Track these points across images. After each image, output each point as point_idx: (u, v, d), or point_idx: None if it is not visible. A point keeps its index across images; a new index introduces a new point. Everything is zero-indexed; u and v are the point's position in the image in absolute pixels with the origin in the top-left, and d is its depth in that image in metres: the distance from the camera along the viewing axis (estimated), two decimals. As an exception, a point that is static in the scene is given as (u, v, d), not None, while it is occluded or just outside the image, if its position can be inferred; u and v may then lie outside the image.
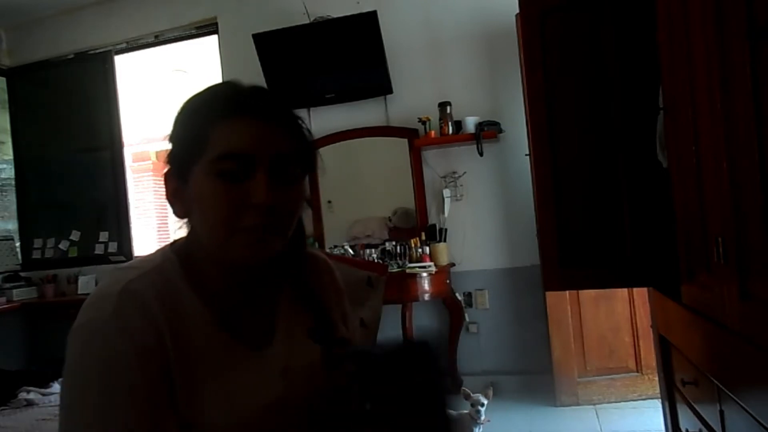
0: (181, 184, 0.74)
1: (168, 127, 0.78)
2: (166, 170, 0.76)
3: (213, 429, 0.70)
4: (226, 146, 0.70)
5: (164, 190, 0.77)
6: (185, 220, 0.78)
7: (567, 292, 3.04)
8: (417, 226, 3.60)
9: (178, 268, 0.75)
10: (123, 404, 0.65)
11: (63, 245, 4.37)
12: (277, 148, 0.72)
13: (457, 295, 3.50)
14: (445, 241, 3.47)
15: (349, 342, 0.87)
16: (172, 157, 0.75)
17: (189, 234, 0.78)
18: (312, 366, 0.80)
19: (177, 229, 0.80)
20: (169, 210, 0.79)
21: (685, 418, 1.55)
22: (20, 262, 4.43)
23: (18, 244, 4.48)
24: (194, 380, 0.70)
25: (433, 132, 3.45)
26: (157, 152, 6.59)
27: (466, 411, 2.60)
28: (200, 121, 0.72)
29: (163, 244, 0.82)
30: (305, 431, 0.78)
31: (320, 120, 3.73)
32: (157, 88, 5.19)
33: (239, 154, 0.70)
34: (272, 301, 0.82)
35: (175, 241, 0.81)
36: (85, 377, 0.67)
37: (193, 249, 0.77)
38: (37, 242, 4.45)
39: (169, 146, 0.77)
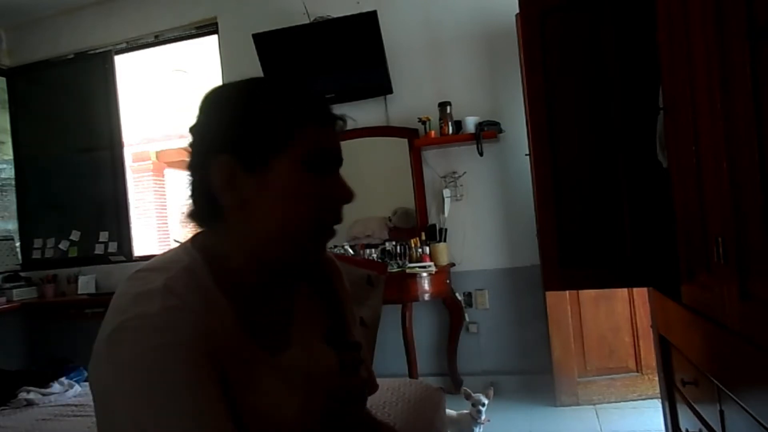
0: (244, 172, 0.70)
1: (209, 116, 0.74)
2: (221, 157, 0.70)
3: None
4: (319, 142, 0.72)
5: (214, 174, 0.70)
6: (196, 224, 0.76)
7: (567, 292, 3.04)
8: (417, 226, 3.60)
9: (204, 266, 0.71)
10: (205, 398, 0.62)
11: (63, 245, 4.37)
12: (341, 153, 0.77)
13: (457, 295, 3.50)
14: (445, 241, 3.47)
15: (361, 346, 0.86)
16: (233, 144, 0.71)
17: (223, 233, 0.74)
18: (330, 371, 0.79)
19: (186, 227, 0.77)
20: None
21: (685, 418, 1.55)
22: (20, 262, 4.43)
23: (18, 244, 4.48)
24: (228, 383, 0.67)
25: (433, 132, 3.45)
26: (157, 152, 6.59)
27: (466, 411, 2.60)
28: (290, 114, 0.72)
29: (162, 244, 0.80)
30: None
31: (320, 120, 3.73)
32: (157, 88, 5.19)
33: (331, 152, 0.74)
34: (290, 302, 0.80)
35: (196, 237, 0.76)
36: (153, 377, 0.61)
37: (230, 246, 0.73)
38: (37, 242, 4.45)
39: (217, 132, 0.73)
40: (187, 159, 0.76)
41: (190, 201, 0.75)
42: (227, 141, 0.71)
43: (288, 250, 0.73)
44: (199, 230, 0.77)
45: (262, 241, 0.72)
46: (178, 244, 0.77)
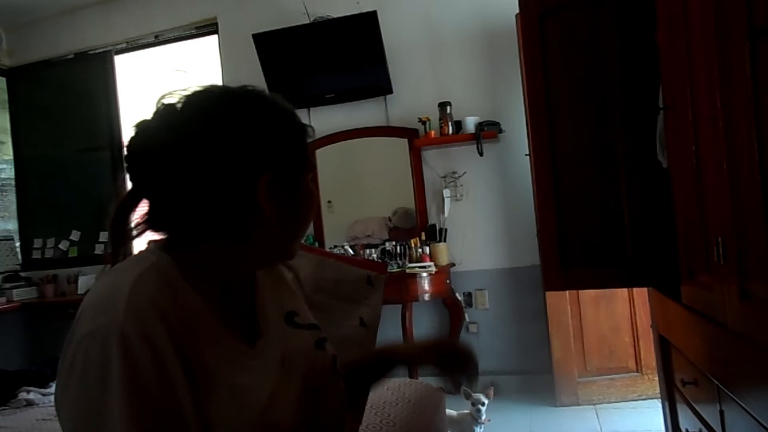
0: (282, 188, 0.75)
1: (234, 126, 0.73)
2: (266, 175, 0.72)
3: (229, 425, 0.69)
4: (311, 158, 0.83)
5: (260, 190, 0.72)
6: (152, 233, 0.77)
7: (567, 292, 3.04)
8: (417, 226, 3.60)
9: (174, 268, 0.71)
10: (154, 412, 0.62)
11: (63, 245, 4.37)
12: None
13: (457, 295, 3.50)
14: (445, 241, 3.47)
15: (318, 327, 0.90)
16: (276, 162, 0.74)
17: (223, 241, 0.75)
18: (304, 349, 0.84)
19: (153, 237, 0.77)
20: (193, 226, 0.76)
21: (685, 418, 1.55)
22: (20, 262, 4.43)
23: (18, 244, 4.48)
24: (211, 379, 0.68)
25: (433, 132, 3.45)
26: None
27: (466, 411, 2.60)
28: (302, 136, 0.81)
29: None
30: (303, 411, 0.79)
31: (320, 120, 3.73)
32: (157, 88, 5.19)
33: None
34: (251, 293, 0.83)
35: (153, 242, 0.76)
36: (108, 386, 0.61)
37: (216, 253, 0.74)
38: (37, 242, 4.45)
39: (254, 148, 0.73)
40: (182, 172, 0.71)
41: (177, 215, 0.74)
42: (267, 159, 0.74)
43: (276, 257, 0.84)
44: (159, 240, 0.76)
45: (277, 248, 0.80)
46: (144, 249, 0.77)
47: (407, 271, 3.23)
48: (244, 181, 0.72)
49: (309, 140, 0.82)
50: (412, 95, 3.63)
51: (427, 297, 3.32)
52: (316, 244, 3.71)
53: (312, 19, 3.67)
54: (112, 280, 0.68)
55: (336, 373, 0.87)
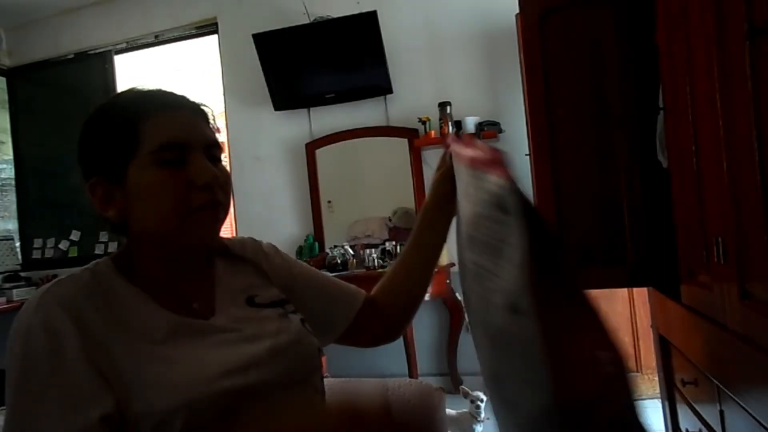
0: (112, 188, 0.78)
1: (79, 143, 0.81)
2: (91, 182, 0.79)
3: (171, 392, 0.71)
4: (163, 137, 0.77)
5: (91, 198, 0.80)
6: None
7: (567, 292, 3.03)
8: (417, 226, 3.59)
9: (110, 265, 0.80)
10: (44, 399, 0.68)
11: (63, 245, 4.38)
12: (204, 135, 0.81)
13: (457, 294, 3.50)
14: (445, 241, 3.46)
15: (289, 302, 0.91)
16: (95, 166, 0.79)
17: (125, 240, 0.83)
18: (269, 320, 0.85)
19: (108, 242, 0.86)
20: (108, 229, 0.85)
21: (685, 418, 1.55)
22: (20, 262, 4.43)
23: (18, 244, 4.49)
24: (144, 359, 0.72)
25: (433, 132, 3.45)
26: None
27: (466, 410, 2.60)
28: (126, 122, 0.77)
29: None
30: (275, 370, 0.80)
31: (320, 120, 3.73)
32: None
33: (177, 143, 0.77)
34: (210, 276, 0.88)
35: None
36: (17, 376, 0.69)
37: (132, 248, 0.82)
38: (37, 242, 4.46)
39: (86, 158, 0.81)
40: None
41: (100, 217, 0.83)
42: (93, 165, 0.80)
43: (171, 242, 0.80)
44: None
45: (149, 240, 0.80)
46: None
47: (407, 271, 3.22)
48: (87, 191, 0.81)
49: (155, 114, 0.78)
50: (412, 95, 3.63)
51: (427, 297, 3.29)
52: (316, 245, 3.71)
53: (312, 19, 3.67)
54: (41, 288, 0.76)
55: (308, 331, 0.89)
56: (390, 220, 3.73)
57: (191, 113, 0.82)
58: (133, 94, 0.82)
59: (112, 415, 0.68)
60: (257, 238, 1.00)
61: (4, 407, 0.71)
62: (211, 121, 0.85)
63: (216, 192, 0.79)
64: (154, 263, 0.82)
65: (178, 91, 0.84)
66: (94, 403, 0.68)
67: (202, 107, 0.84)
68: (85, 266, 0.80)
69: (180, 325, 0.78)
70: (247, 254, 0.95)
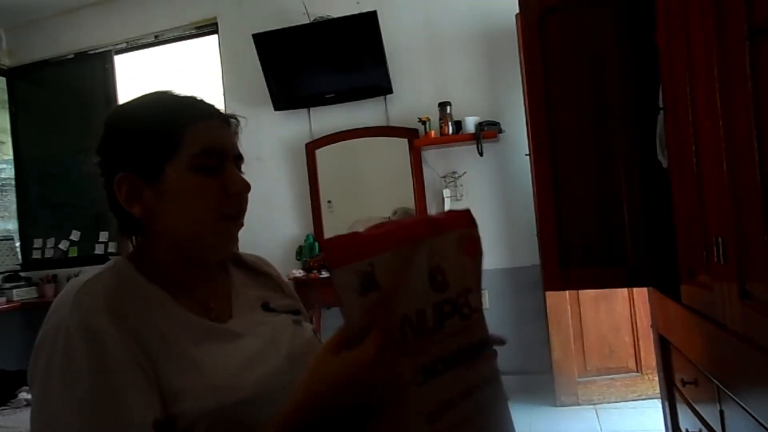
0: (143, 185, 0.79)
1: (108, 137, 0.84)
2: (118, 176, 0.79)
3: (201, 397, 0.71)
4: (204, 143, 0.79)
5: (116, 192, 0.80)
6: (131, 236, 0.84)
7: (567, 292, 3.04)
8: (417, 226, 3.59)
9: (131, 266, 0.80)
10: (94, 403, 0.66)
11: (63, 245, 4.37)
12: (235, 145, 0.85)
13: (457, 295, 3.50)
14: None
15: (301, 312, 0.94)
16: (126, 162, 0.79)
17: (144, 239, 0.83)
18: (283, 326, 0.87)
19: (129, 244, 0.85)
20: (115, 228, 0.85)
21: (685, 418, 1.55)
22: (20, 262, 4.43)
23: (18, 244, 4.48)
24: (173, 350, 0.73)
25: (433, 132, 3.45)
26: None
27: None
28: (169, 123, 0.79)
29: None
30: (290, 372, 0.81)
31: (320, 120, 3.73)
32: (157, 88, 5.19)
33: (216, 149, 0.80)
34: (226, 282, 0.90)
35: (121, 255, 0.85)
36: (52, 378, 0.68)
37: (154, 249, 0.82)
38: (37, 242, 4.45)
39: (117, 153, 0.81)
40: (100, 178, 0.83)
41: (112, 213, 0.84)
42: (125, 161, 0.80)
43: (195, 243, 0.81)
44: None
45: (174, 241, 0.81)
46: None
47: (407, 271, 3.22)
48: (110, 187, 0.81)
49: (196, 121, 0.79)
50: (412, 95, 3.63)
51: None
52: (316, 245, 3.71)
53: (312, 19, 3.67)
54: (69, 285, 0.76)
55: (319, 341, 0.90)
56: (390, 220, 3.73)
57: (224, 123, 0.84)
58: (170, 98, 0.84)
59: (159, 419, 0.68)
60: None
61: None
62: (238, 132, 0.88)
63: (244, 202, 0.83)
64: (173, 264, 0.82)
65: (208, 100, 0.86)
66: (147, 408, 0.68)
67: (232, 119, 0.86)
68: (104, 266, 0.79)
69: (205, 329, 0.78)
70: (262, 268, 0.98)
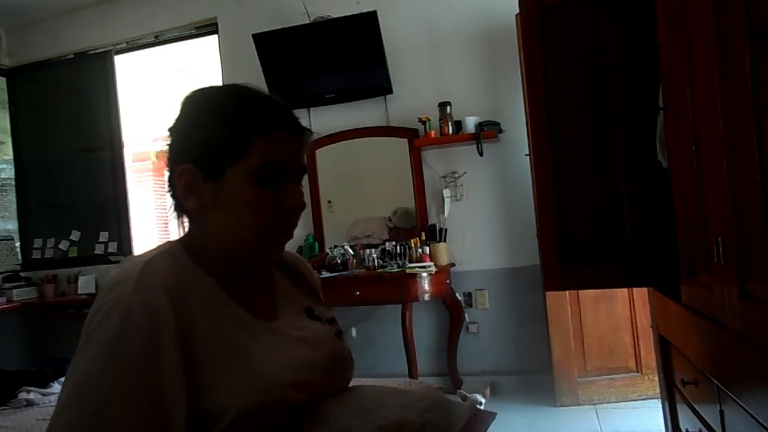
0: (204, 181, 0.79)
1: (181, 121, 0.82)
2: (182, 166, 0.79)
3: (243, 391, 0.72)
4: (269, 157, 0.79)
5: (176, 181, 0.80)
6: (184, 216, 0.84)
7: (567, 292, 3.04)
8: (417, 226, 3.60)
9: (185, 254, 0.79)
10: (138, 382, 0.67)
11: (63, 245, 4.37)
12: (300, 160, 0.83)
13: (457, 295, 3.50)
14: (445, 241, 3.47)
15: (336, 321, 0.95)
16: (194, 154, 0.79)
17: (195, 229, 0.83)
18: (328, 335, 0.89)
19: (180, 224, 0.85)
20: (170, 207, 0.84)
21: (685, 418, 1.55)
22: (20, 262, 4.43)
23: (18, 244, 4.48)
24: (224, 343, 0.74)
25: (433, 132, 3.45)
26: (157, 152, 6.58)
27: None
28: (242, 130, 0.78)
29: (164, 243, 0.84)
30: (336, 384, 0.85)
31: (320, 120, 3.73)
32: (157, 88, 5.19)
33: (279, 165, 0.80)
34: (270, 283, 0.90)
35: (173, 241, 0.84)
36: (104, 351, 0.68)
37: (204, 242, 0.82)
38: (37, 242, 4.45)
39: (185, 140, 0.81)
40: (167, 157, 0.83)
41: (170, 194, 0.84)
42: (190, 150, 0.80)
43: (242, 250, 0.81)
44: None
45: (221, 241, 0.81)
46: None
47: (407, 271, 3.23)
48: (172, 172, 0.81)
49: (264, 134, 0.79)
50: (412, 95, 3.63)
51: (427, 297, 3.32)
52: (316, 245, 3.71)
53: (312, 19, 3.67)
54: (130, 262, 0.75)
55: (353, 361, 0.93)
56: (390, 220, 3.73)
57: (295, 135, 0.83)
58: (248, 97, 0.82)
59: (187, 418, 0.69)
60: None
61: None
62: (309, 144, 0.87)
63: (296, 219, 0.83)
64: (223, 260, 0.82)
65: (289, 108, 0.84)
66: (182, 404, 0.69)
67: (307, 133, 0.85)
68: (159, 249, 0.79)
69: (254, 325, 0.79)
70: (302, 270, 0.99)
